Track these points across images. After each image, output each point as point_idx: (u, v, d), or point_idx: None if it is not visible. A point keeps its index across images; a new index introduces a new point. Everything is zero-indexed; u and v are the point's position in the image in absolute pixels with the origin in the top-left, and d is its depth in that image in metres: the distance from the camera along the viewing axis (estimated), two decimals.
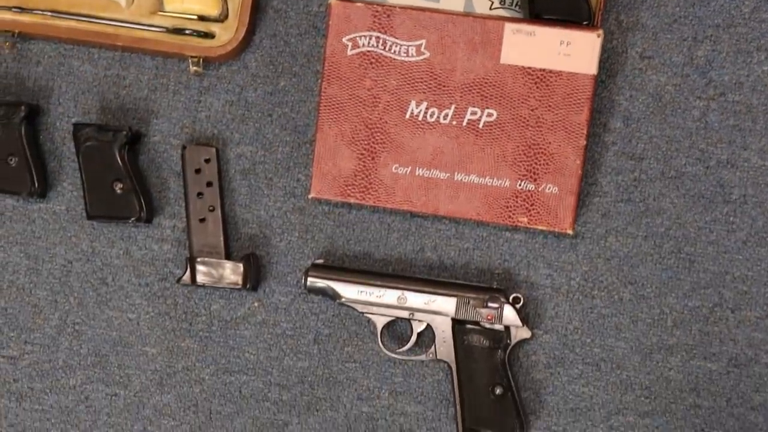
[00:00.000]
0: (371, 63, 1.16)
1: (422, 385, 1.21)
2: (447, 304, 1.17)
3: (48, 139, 1.24)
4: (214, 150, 1.21)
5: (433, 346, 1.18)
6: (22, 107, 1.20)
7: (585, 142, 1.15)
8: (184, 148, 1.21)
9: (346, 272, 1.18)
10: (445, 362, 1.19)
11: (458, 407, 1.17)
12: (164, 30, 1.20)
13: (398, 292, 1.18)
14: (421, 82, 1.16)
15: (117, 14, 1.20)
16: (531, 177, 1.16)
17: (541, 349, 1.20)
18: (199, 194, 1.21)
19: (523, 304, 1.19)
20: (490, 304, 1.16)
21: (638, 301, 1.19)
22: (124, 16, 1.20)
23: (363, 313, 1.18)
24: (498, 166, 1.16)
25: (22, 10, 1.20)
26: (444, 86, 1.16)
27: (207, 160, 1.21)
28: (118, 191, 1.20)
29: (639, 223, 1.19)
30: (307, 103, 1.22)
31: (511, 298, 1.18)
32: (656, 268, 1.19)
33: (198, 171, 1.21)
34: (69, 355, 1.24)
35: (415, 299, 1.17)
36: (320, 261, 1.20)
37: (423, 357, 1.18)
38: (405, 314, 1.18)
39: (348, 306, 1.19)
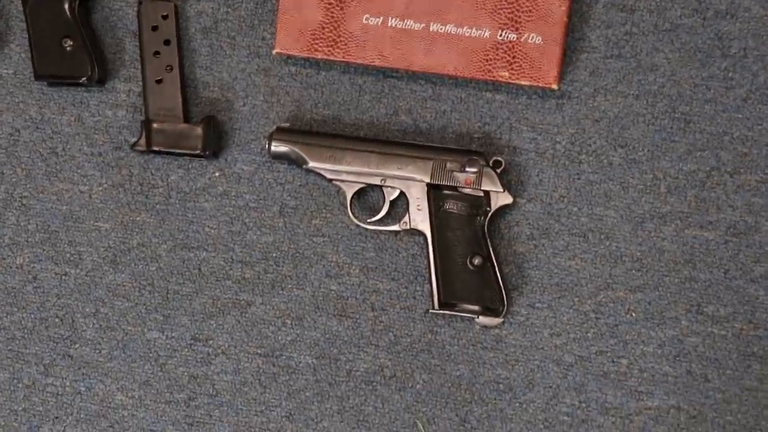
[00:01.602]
0: None
1: (395, 260, 1.12)
2: (422, 168, 1.08)
3: None
4: (172, 5, 1.12)
5: (407, 215, 1.09)
6: None
7: None
8: (140, 3, 1.12)
9: (313, 136, 1.09)
10: (419, 232, 1.09)
11: (434, 280, 1.08)
12: None
13: (371, 154, 1.08)
14: None
15: None
16: (512, 26, 1.07)
17: (524, 219, 1.11)
18: (156, 53, 1.12)
19: (504, 169, 1.10)
20: (468, 168, 1.07)
21: (629, 166, 1.10)
22: None
23: (331, 180, 1.09)
24: (477, 14, 1.07)
25: None
26: None
27: (165, 17, 1.12)
28: (68, 48, 1.11)
29: (630, 80, 1.10)
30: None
31: (491, 161, 1.08)
32: (649, 129, 1.10)
33: (155, 28, 1.12)
34: (15, 231, 1.14)
35: (388, 164, 1.08)
36: (286, 125, 1.11)
37: (396, 227, 1.09)
38: (376, 181, 1.09)
39: (315, 173, 1.10)
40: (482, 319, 1.07)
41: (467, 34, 1.07)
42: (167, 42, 1.12)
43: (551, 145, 1.11)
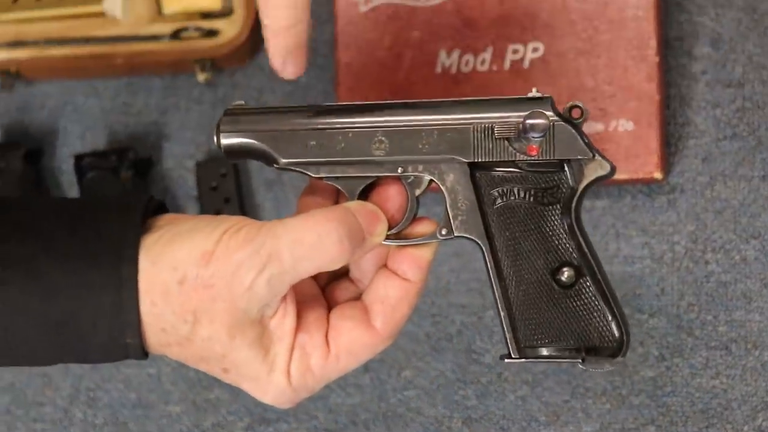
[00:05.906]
0: (388, 17, 0.98)
1: (501, 405, 0.94)
2: (457, 139, 0.67)
3: (54, 184, 1.09)
4: (230, 164, 1.04)
5: (445, 217, 0.68)
6: (21, 149, 1.06)
7: (658, 58, 0.92)
8: (197, 164, 1.05)
9: (281, 115, 0.69)
10: (469, 240, 0.68)
11: (502, 313, 0.67)
12: (164, 38, 1.06)
13: (374, 133, 0.68)
14: (448, 27, 0.97)
15: (115, 30, 1.07)
16: (597, 115, 0.93)
17: (649, 338, 0.92)
18: (217, 212, 1.03)
19: (585, 120, 0.67)
20: (531, 132, 0.64)
21: None
22: (123, 31, 1.07)
23: (322, 178, 0.69)
24: None
25: (18, 43, 1.08)
26: (475, 25, 0.96)
27: (223, 175, 1.04)
28: None
29: (752, 160, 0.93)
30: (332, 96, 1.04)
31: (566, 109, 0.67)
32: None
33: (214, 188, 1.04)
34: (83, 428, 1.03)
35: (404, 140, 0.68)
36: (239, 102, 0.71)
37: (429, 238, 0.68)
38: (391, 170, 0.68)
39: (295, 172, 0.69)
40: (591, 362, 0.67)
41: None
42: (227, 200, 1.03)
43: (669, 248, 0.93)
